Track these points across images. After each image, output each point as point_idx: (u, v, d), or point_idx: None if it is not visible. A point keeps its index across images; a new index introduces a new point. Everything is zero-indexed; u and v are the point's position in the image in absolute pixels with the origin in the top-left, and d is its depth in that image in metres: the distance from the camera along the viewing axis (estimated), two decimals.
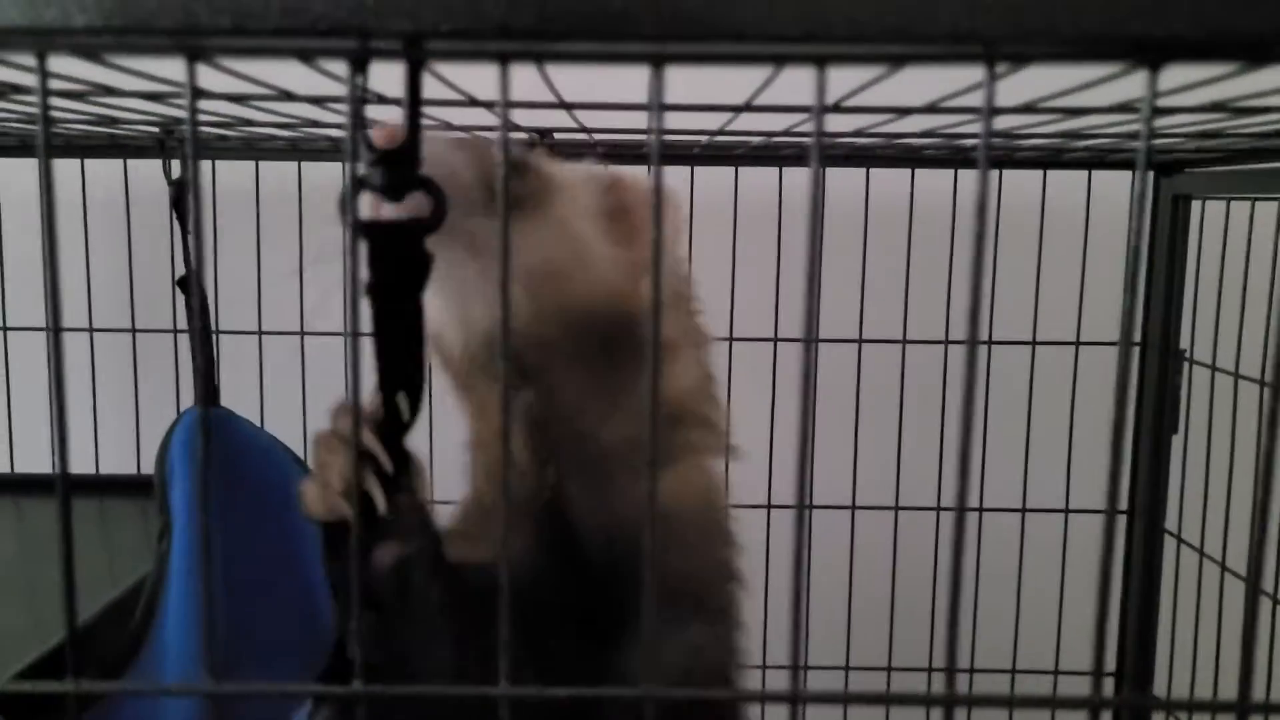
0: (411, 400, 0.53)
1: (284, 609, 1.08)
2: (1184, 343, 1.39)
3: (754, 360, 1.39)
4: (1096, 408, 1.44)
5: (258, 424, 1.26)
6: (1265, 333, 1.20)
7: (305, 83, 0.73)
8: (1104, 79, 0.73)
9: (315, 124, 1.07)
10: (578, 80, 0.77)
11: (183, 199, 1.21)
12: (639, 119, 0.95)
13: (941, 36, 0.44)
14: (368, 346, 0.52)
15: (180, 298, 1.30)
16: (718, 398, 0.76)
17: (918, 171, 1.40)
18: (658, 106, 0.48)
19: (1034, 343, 1.46)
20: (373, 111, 0.62)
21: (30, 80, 0.47)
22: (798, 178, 1.40)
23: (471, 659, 0.55)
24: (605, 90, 0.91)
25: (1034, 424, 1.48)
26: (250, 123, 1.06)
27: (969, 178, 1.39)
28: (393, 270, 0.52)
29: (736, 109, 0.93)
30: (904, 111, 0.89)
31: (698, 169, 1.40)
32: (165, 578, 0.96)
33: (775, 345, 1.42)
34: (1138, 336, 1.42)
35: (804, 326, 0.48)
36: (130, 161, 1.43)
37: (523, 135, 1.13)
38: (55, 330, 0.51)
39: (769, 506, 1.46)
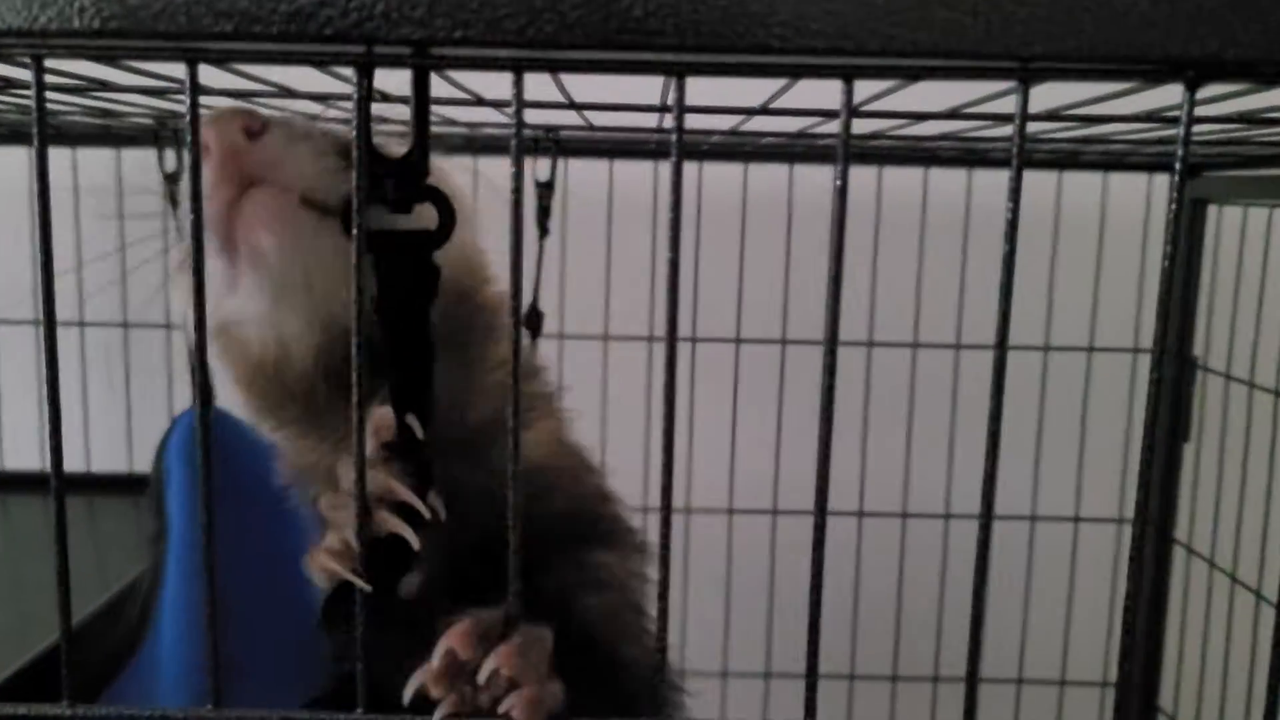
0: (422, 420, 0.52)
1: (283, 610, 1.06)
2: (1196, 349, 1.37)
3: (757, 360, 1.37)
4: (1108, 415, 1.43)
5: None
6: None
7: (309, 80, 0.71)
8: (1130, 90, 0.71)
9: (317, 120, 1.05)
10: (585, 77, 0.75)
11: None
12: (649, 115, 0.93)
13: (975, 54, 0.43)
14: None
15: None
16: (535, 363, 0.83)
17: (931, 171, 1.38)
18: (677, 115, 0.46)
19: (1046, 348, 1.44)
20: (378, 110, 0.60)
21: (25, 75, 0.45)
22: (809, 175, 1.38)
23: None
24: (613, 87, 0.89)
25: (1045, 431, 1.46)
26: None
27: (983, 177, 1.37)
28: (403, 282, 0.51)
29: (753, 111, 0.91)
30: (926, 117, 0.87)
31: (706, 165, 1.37)
32: (161, 581, 0.95)
33: (784, 347, 1.40)
34: (1147, 343, 1.40)
35: (825, 331, 0.47)
36: (124, 150, 1.39)
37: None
38: (50, 331, 0.49)
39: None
